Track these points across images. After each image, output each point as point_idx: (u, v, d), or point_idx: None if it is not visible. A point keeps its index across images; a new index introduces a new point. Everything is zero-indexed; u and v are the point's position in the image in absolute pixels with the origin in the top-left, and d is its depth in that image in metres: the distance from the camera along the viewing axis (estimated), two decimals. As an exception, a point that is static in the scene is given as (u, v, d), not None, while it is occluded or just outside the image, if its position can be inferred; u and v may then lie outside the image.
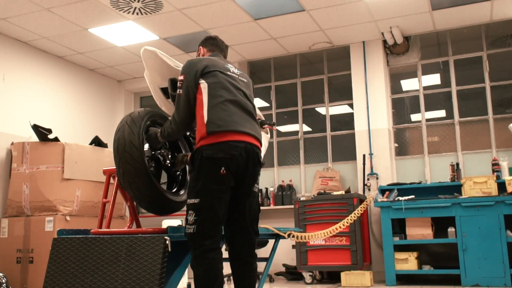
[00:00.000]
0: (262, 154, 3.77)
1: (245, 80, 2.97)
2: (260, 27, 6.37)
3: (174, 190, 3.12)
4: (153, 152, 3.00)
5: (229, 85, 2.80)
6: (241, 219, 2.79)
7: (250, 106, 2.86)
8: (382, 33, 6.66)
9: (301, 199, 6.26)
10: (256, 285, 2.94)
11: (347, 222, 5.32)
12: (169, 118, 2.89)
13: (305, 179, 7.26)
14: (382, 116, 6.76)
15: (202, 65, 2.80)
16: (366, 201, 5.94)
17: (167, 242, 2.62)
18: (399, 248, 5.74)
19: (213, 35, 3.22)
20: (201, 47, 3.13)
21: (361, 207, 5.73)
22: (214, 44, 3.11)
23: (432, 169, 6.64)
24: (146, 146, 3.05)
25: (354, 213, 5.57)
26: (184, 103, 2.76)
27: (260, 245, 5.66)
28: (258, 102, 7.79)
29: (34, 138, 5.99)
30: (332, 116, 7.35)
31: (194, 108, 2.75)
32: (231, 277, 7.05)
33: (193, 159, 2.71)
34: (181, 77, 2.79)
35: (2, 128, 6.14)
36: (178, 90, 2.78)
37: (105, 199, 3.23)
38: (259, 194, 6.62)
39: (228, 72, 2.87)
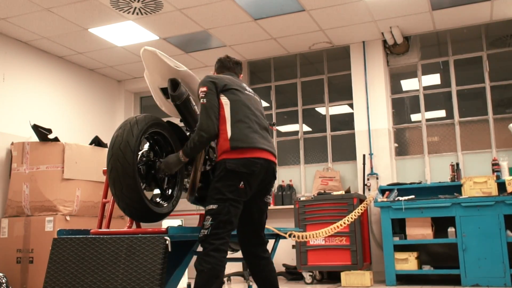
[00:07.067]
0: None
1: (258, 99, 3.22)
2: (260, 27, 6.37)
3: (157, 201, 3.07)
4: (145, 159, 2.96)
5: (248, 103, 3.02)
6: (255, 223, 3.06)
7: (266, 124, 3.10)
8: (382, 33, 6.66)
9: (301, 199, 6.25)
10: None
11: (347, 221, 5.33)
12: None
13: (305, 179, 7.26)
14: (382, 116, 6.76)
15: (223, 82, 2.99)
16: (366, 201, 5.95)
17: (167, 242, 2.62)
18: (399, 248, 5.74)
19: (222, 56, 3.36)
20: (215, 70, 3.35)
21: (361, 207, 5.73)
22: (221, 66, 3.31)
23: (432, 169, 6.65)
24: (146, 147, 3.05)
25: (354, 213, 5.57)
26: (211, 110, 2.88)
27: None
28: (258, 102, 7.78)
29: (34, 138, 5.99)
30: (332, 116, 7.35)
31: (218, 118, 2.91)
32: (231, 278, 7.06)
33: (215, 169, 2.92)
34: (203, 89, 2.92)
35: (2, 128, 6.14)
36: (201, 100, 2.90)
37: (105, 199, 3.23)
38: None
39: (244, 91, 3.08)
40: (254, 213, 3.04)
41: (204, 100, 2.89)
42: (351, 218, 5.49)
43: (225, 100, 2.94)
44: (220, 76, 3.09)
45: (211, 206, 2.81)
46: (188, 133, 3.24)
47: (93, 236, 2.88)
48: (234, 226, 2.87)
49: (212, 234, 2.76)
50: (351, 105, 7.12)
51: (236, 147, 2.85)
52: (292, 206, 6.37)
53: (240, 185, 2.84)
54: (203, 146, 2.94)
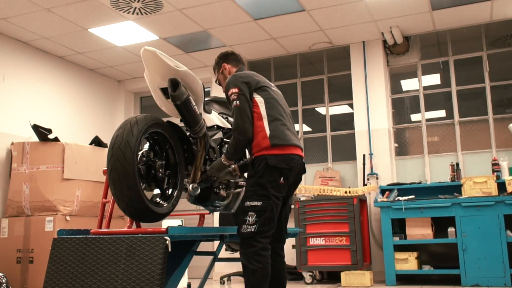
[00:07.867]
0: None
1: (280, 93, 3.26)
2: (260, 27, 6.37)
3: (157, 201, 3.07)
4: (145, 159, 2.96)
5: (278, 100, 3.10)
6: (282, 217, 3.10)
7: (293, 120, 3.21)
8: (382, 33, 6.66)
9: (301, 199, 6.25)
10: None
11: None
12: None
13: (305, 179, 7.26)
14: (382, 116, 6.76)
15: (255, 81, 3.06)
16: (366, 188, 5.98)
17: (167, 242, 2.62)
18: (399, 248, 5.74)
19: (229, 50, 3.42)
20: (224, 64, 3.34)
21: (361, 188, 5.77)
22: (236, 59, 3.37)
23: (432, 169, 6.64)
24: (146, 147, 3.04)
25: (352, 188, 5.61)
26: (246, 111, 2.95)
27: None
28: (258, 102, 7.78)
29: (34, 138, 5.98)
30: (332, 116, 7.35)
31: (252, 119, 2.97)
32: (231, 278, 7.05)
33: (255, 165, 2.94)
34: (234, 90, 2.98)
35: (2, 128, 6.14)
36: (234, 102, 2.96)
37: (105, 199, 3.23)
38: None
39: (272, 87, 3.15)
40: (284, 207, 3.11)
41: (238, 102, 2.95)
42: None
43: (259, 99, 3.02)
44: (248, 74, 3.13)
45: (255, 203, 2.85)
46: (188, 133, 3.24)
47: (93, 236, 2.88)
48: (275, 224, 2.92)
49: (259, 232, 2.83)
50: (351, 105, 7.12)
51: (276, 144, 2.93)
52: (292, 206, 6.36)
53: (281, 180, 2.91)
54: (243, 149, 3.03)
